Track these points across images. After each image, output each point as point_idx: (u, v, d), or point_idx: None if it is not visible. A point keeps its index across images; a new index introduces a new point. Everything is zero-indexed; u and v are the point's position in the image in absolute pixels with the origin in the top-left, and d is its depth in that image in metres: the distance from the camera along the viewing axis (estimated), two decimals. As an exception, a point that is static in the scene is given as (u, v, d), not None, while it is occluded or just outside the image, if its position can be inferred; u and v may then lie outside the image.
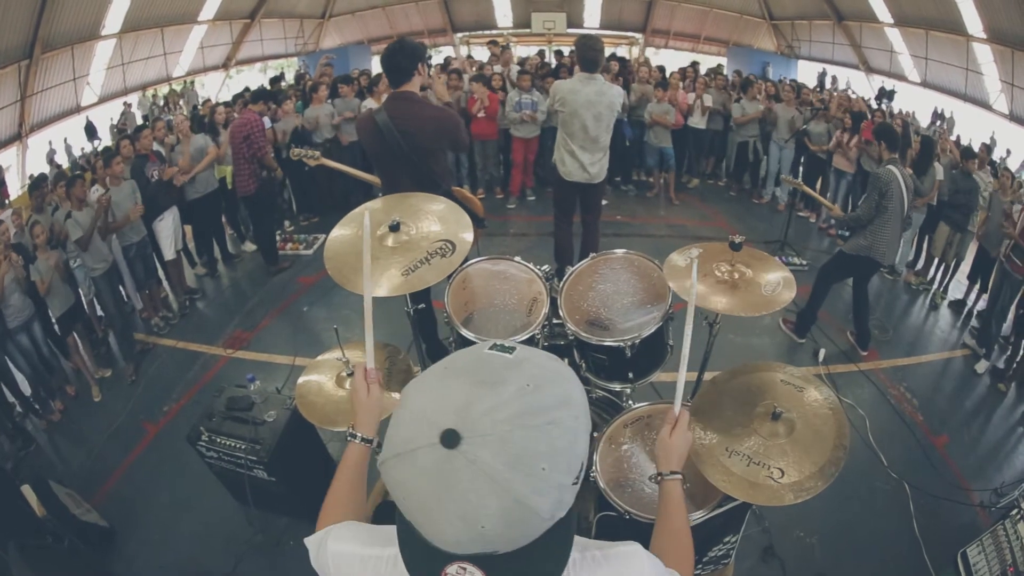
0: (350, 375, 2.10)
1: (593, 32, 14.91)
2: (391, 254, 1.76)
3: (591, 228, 4.55)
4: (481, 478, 0.57)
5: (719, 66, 11.14)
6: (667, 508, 1.12)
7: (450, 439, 0.57)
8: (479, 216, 2.95)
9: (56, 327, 4.25)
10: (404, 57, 2.73)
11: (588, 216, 4.52)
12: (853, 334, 4.40)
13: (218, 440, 2.66)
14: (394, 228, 1.78)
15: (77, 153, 10.25)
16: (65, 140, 10.04)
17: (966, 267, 5.23)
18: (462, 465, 0.57)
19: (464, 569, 0.62)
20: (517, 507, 0.58)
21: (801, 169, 6.84)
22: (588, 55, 3.79)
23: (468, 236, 1.79)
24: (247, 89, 8.07)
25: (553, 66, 7.43)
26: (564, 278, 2.23)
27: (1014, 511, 2.32)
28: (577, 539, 0.75)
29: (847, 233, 4.48)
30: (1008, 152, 9.82)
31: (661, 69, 7.63)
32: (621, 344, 2.02)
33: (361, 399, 1.18)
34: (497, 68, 7.28)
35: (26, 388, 4.08)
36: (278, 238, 6.00)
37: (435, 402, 0.61)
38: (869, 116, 6.19)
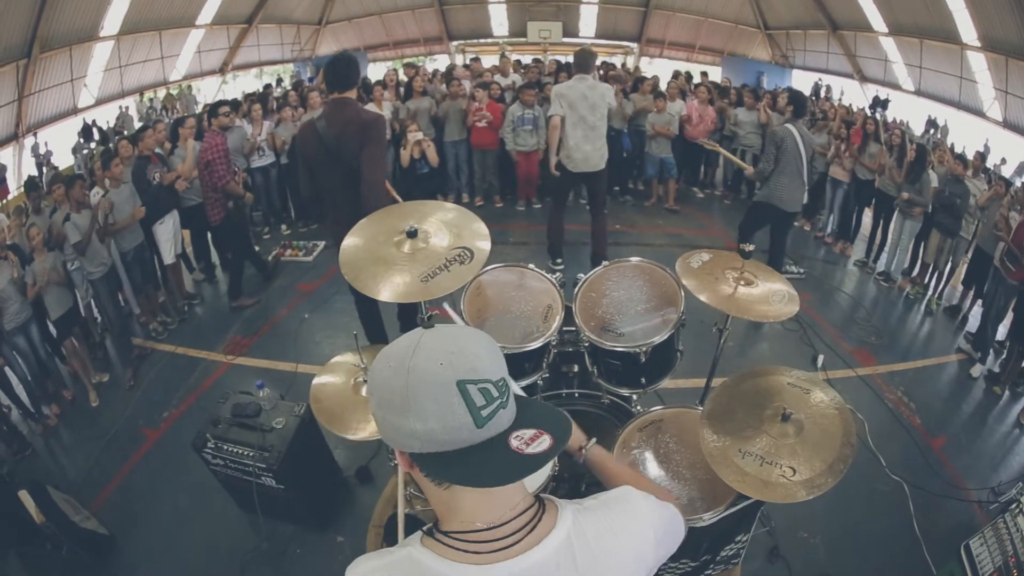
0: (367, 381, 2.10)
1: (588, 42, 15.09)
2: (408, 260, 1.77)
3: (599, 218, 4.95)
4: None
5: (704, 74, 11.06)
6: (610, 468, 1.20)
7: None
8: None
9: (53, 330, 4.21)
10: (350, 69, 3.02)
11: (595, 204, 4.93)
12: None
13: (225, 447, 2.64)
14: (412, 234, 1.80)
15: (70, 156, 10.16)
16: (45, 144, 9.90)
17: (962, 273, 5.31)
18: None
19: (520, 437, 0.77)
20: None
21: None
22: (579, 60, 4.61)
23: (485, 244, 1.81)
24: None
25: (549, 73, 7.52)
26: (578, 285, 2.26)
27: (1013, 505, 2.38)
28: (568, 501, 0.88)
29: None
30: (1004, 160, 9.96)
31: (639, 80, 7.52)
32: (636, 350, 2.05)
33: None
34: (497, 78, 7.33)
35: (22, 391, 4.03)
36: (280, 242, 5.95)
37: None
38: (861, 124, 6.26)
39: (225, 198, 4.93)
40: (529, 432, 0.78)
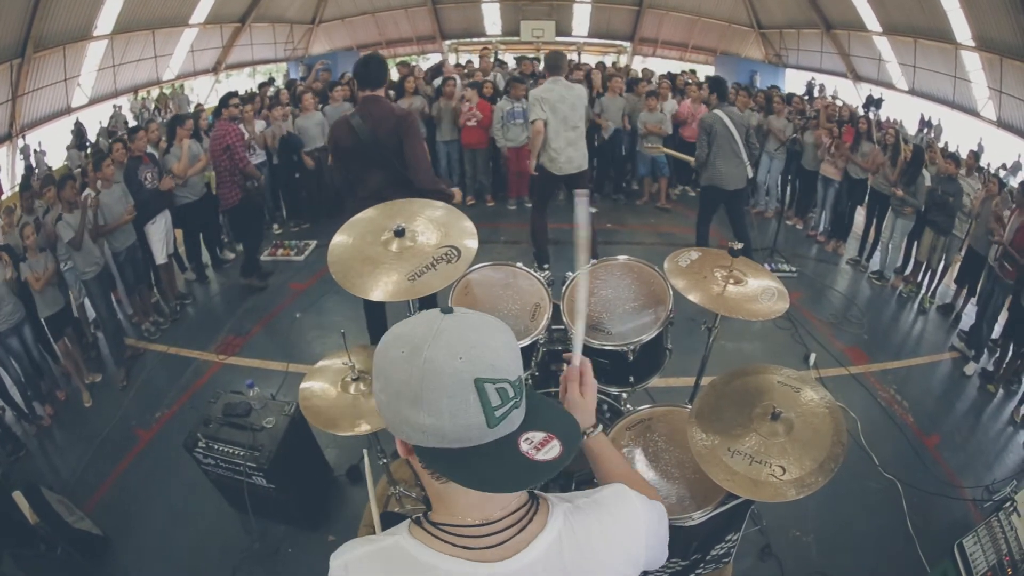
0: (355, 380, 2.10)
1: (581, 40, 15.09)
2: (396, 259, 1.76)
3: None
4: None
5: (692, 72, 11.02)
6: (607, 458, 1.10)
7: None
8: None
9: (46, 330, 4.19)
10: (380, 68, 3.19)
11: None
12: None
13: (216, 447, 2.64)
14: (399, 233, 1.79)
15: (63, 155, 10.08)
16: (39, 144, 9.84)
17: (955, 271, 5.33)
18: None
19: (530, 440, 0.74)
20: None
21: (790, 178, 6.96)
22: (551, 62, 4.64)
23: (472, 243, 1.81)
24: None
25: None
26: (566, 284, 2.26)
27: (1007, 503, 2.39)
28: (561, 495, 0.86)
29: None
30: (1004, 165, 9.99)
31: (633, 81, 7.56)
32: (624, 348, 2.05)
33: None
34: (487, 77, 7.31)
35: (16, 392, 4.00)
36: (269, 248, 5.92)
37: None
38: (852, 122, 6.26)
39: (243, 179, 5.04)
40: (539, 436, 0.74)
